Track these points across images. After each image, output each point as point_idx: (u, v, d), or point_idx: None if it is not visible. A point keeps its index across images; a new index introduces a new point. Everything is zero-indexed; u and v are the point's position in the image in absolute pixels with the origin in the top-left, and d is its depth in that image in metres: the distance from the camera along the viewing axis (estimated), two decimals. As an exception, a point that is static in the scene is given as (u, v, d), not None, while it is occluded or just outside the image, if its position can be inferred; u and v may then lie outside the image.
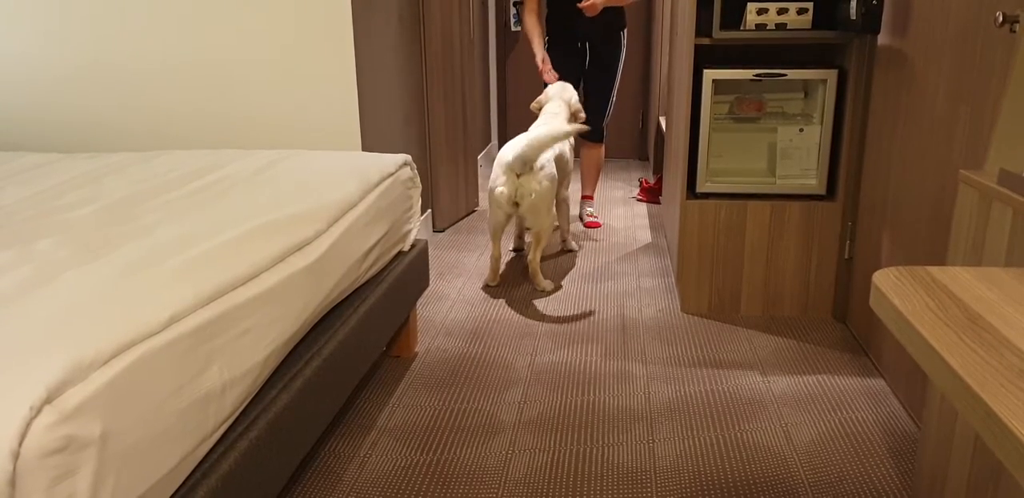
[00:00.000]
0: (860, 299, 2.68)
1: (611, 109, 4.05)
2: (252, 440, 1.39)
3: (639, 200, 4.68)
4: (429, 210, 3.94)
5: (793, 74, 2.71)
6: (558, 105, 3.53)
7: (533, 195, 3.02)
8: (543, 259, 3.58)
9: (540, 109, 3.61)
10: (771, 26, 2.62)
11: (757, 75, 2.72)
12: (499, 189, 3.04)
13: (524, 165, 3.00)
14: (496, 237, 3.19)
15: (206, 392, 1.27)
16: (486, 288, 3.22)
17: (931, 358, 0.79)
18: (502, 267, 3.44)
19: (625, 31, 3.96)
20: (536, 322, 2.88)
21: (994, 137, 1.42)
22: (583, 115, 3.64)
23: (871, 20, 2.37)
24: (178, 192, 1.99)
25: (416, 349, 2.66)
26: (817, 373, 2.46)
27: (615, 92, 4.01)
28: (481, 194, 4.78)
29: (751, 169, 2.95)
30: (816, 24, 2.61)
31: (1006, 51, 1.70)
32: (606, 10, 3.83)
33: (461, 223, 4.22)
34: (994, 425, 0.66)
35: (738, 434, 2.12)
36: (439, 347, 2.67)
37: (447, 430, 2.15)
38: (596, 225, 4.11)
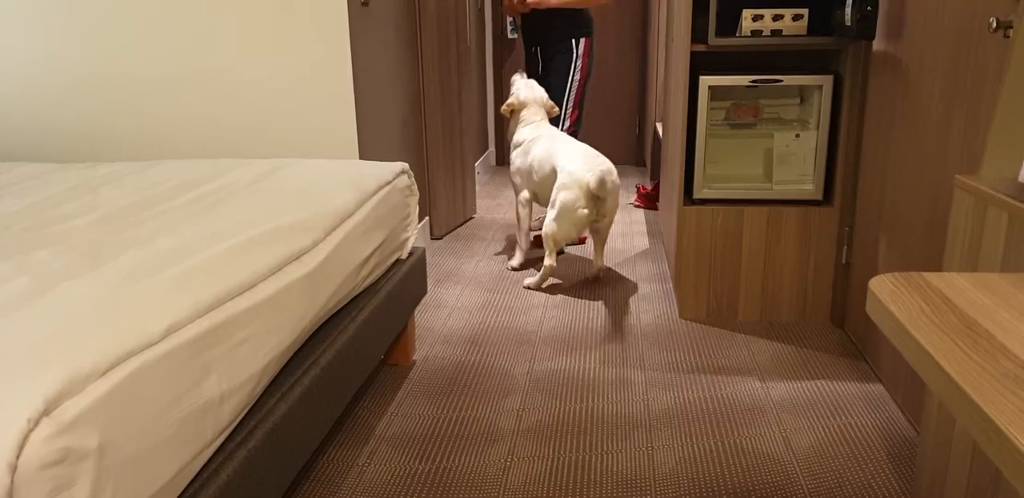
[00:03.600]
0: (858, 304, 2.68)
1: (571, 119, 3.97)
2: (250, 450, 1.39)
3: (636, 206, 4.68)
4: (427, 218, 3.94)
5: (789, 80, 2.72)
6: (536, 111, 3.58)
7: (609, 213, 3.21)
8: (537, 266, 3.59)
9: (511, 112, 3.62)
10: (767, 32, 2.63)
11: (753, 81, 2.73)
12: (582, 211, 3.11)
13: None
14: (555, 251, 3.23)
15: (204, 402, 1.27)
16: (487, 295, 3.22)
17: (927, 364, 0.79)
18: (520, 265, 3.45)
19: (582, 40, 3.91)
20: (534, 329, 2.88)
21: (989, 142, 1.42)
22: (556, 110, 3.68)
23: (866, 26, 2.38)
24: (175, 202, 1.99)
25: (414, 357, 2.65)
26: (816, 379, 2.46)
27: (572, 101, 3.95)
28: (479, 201, 4.78)
29: (748, 175, 2.95)
30: (811, 30, 2.62)
31: (1000, 57, 1.71)
32: (557, 16, 3.86)
33: (459, 230, 4.22)
34: (991, 432, 0.66)
35: (737, 440, 2.11)
36: (437, 355, 2.67)
37: (446, 438, 2.15)
38: (581, 241, 3.98)
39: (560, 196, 3.12)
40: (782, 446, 2.08)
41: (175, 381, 1.21)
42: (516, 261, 3.54)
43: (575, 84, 3.97)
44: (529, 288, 3.29)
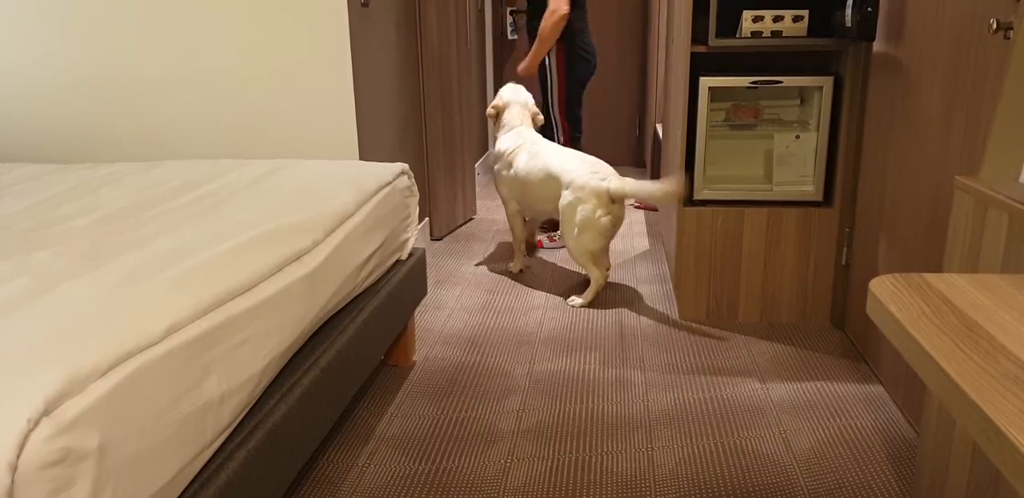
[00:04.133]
0: (858, 305, 2.68)
1: (562, 131, 3.90)
2: (250, 450, 1.39)
3: (636, 207, 4.68)
4: (427, 218, 3.94)
5: (789, 81, 2.72)
6: (518, 114, 3.48)
7: (622, 216, 3.11)
8: (540, 267, 3.59)
9: (497, 115, 3.54)
10: (767, 34, 2.63)
11: (753, 82, 2.73)
12: (605, 218, 3.02)
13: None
14: (600, 262, 3.14)
15: (204, 402, 1.27)
16: (486, 296, 3.22)
17: (928, 365, 0.79)
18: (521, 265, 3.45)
19: (554, 46, 3.80)
20: (534, 330, 2.88)
21: (989, 143, 1.42)
22: (540, 118, 3.59)
23: (866, 27, 2.38)
24: (176, 202, 1.99)
25: (414, 358, 2.65)
26: (815, 380, 2.46)
27: (557, 113, 3.88)
28: (479, 203, 4.78)
29: (748, 176, 2.95)
30: (811, 31, 2.62)
31: (1000, 58, 1.71)
32: (534, 22, 3.79)
33: (459, 231, 4.22)
34: (991, 433, 0.66)
35: (737, 441, 2.11)
36: (437, 356, 2.67)
37: (445, 439, 2.15)
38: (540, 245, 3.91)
39: (579, 210, 3.02)
40: (782, 447, 2.08)
41: (175, 381, 1.21)
42: (515, 266, 3.52)
43: (554, 94, 3.87)
44: (584, 307, 3.12)
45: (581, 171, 3.05)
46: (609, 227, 3.05)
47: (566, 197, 3.06)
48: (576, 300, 3.12)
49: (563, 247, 3.78)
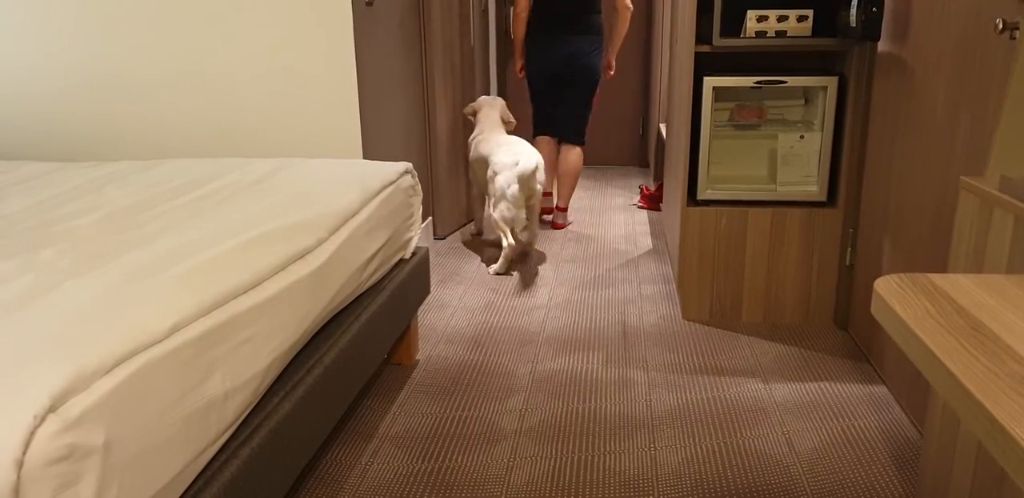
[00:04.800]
0: (861, 306, 2.68)
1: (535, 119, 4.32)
2: (254, 448, 1.39)
3: (640, 207, 4.68)
4: (430, 218, 3.95)
5: (793, 81, 2.72)
6: (488, 114, 3.89)
7: (538, 187, 3.53)
8: (542, 267, 3.59)
9: (474, 114, 3.96)
10: (771, 33, 2.63)
11: (757, 82, 2.73)
12: (514, 186, 3.41)
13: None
14: (526, 228, 3.58)
15: (208, 400, 1.27)
16: (489, 295, 3.22)
17: (933, 365, 0.79)
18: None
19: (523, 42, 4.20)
20: (537, 329, 2.88)
21: (995, 144, 1.42)
22: (511, 119, 3.94)
23: (871, 27, 2.38)
24: (180, 201, 1.99)
25: (417, 357, 2.65)
26: (819, 380, 2.45)
27: (532, 102, 4.30)
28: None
29: (752, 176, 2.95)
30: (816, 31, 2.62)
31: (1006, 58, 1.70)
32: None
33: (462, 230, 4.22)
34: (996, 432, 0.66)
35: (740, 441, 2.11)
36: (440, 355, 2.67)
37: (449, 438, 2.15)
38: (561, 226, 4.29)
39: (495, 182, 3.46)
40: (785, 447, 2.08)
41: (180, 379, 1.21)
42: (477, 231, 4.04)
43: (529, 86, 4.29)
44: (499, 274, 3.49)
45: (501, 152, 3.53)
46: (520, 197, 3.42)
47: (490, 170, 3.54)
48: (492, 267, 3.52)
49: (552, 225, 4.28)
